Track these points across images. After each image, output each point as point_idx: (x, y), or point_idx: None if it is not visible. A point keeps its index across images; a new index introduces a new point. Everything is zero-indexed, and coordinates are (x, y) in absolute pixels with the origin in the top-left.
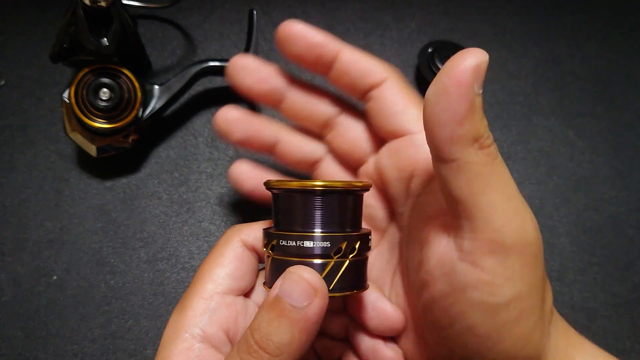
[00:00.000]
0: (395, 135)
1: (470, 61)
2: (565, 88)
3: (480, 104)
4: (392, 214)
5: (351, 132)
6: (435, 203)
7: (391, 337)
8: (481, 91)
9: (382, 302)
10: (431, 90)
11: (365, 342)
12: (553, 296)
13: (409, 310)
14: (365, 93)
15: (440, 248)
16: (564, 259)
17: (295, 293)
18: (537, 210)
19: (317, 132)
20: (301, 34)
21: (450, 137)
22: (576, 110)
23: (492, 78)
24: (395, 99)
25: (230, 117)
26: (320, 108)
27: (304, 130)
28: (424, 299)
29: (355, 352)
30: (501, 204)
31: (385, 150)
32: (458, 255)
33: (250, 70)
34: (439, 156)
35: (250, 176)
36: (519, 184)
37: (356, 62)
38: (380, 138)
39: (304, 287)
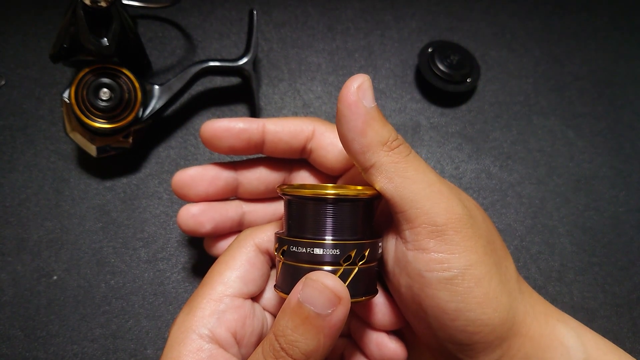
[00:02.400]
0: (348, 168)
1: (353, 85)
2: (565, 88)
3: (377, 115)
4: None
5: (306, 181)
6: (383, 213)
7: (394, 330)
8: (374, 104)
9: (384, 299)
10: (336, 119)
11: (369, 337)
12: (553, 296)
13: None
14: (303, 149)
15: (392, 247)
16: (564, 259)
17: (318, 301)
18: (537, 210)
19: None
20: (224, 128)
21: (361, 148)
22: (576, 110)
23: (492, 78)
24: (333, 140)
25: (193, 212)
26: (274, 176)
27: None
28: (399, 301)
29: (359, 346)
30: (423, 191)
31: (341, 182)
32: (405, 247)
33: (196, 179)
34: (361, 167)
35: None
36: (519, 184)
37: (283, 128)
38: (331, 177)
39: (328, 295)
